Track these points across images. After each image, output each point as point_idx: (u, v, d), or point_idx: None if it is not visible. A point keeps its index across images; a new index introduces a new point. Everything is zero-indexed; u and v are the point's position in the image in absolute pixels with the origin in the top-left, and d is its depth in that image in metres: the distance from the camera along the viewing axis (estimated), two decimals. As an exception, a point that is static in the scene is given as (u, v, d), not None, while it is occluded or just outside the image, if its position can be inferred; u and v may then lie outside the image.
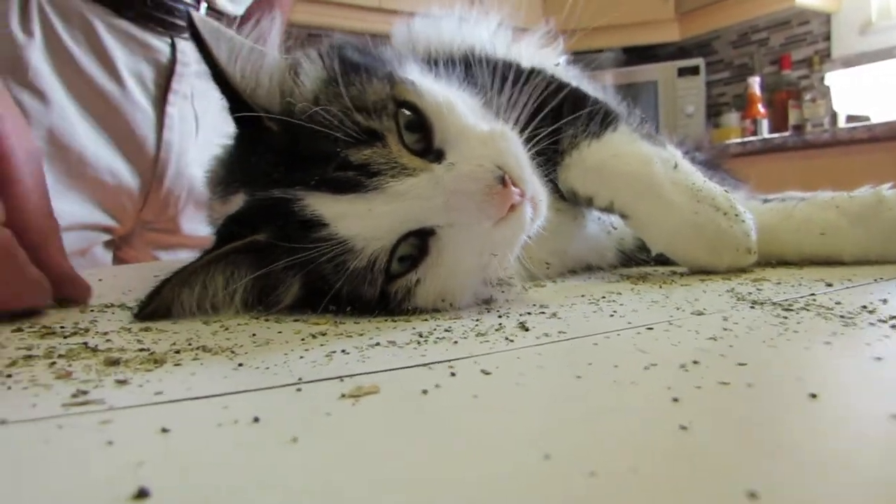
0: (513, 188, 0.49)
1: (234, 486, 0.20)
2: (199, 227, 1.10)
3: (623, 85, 3.73)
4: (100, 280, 0.70)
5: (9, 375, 0.32)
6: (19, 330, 0.44)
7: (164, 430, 0.24)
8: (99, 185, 1.01)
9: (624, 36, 3.88)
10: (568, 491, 0.20)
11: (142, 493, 0.19)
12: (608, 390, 0.30)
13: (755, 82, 3.74)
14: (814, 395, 0.28)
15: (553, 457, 0.22)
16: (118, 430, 0.25)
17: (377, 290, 0.50)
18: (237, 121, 0.53)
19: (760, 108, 3.72)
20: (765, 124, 3.71)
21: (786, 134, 3.38)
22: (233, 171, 0.56)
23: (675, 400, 0.28)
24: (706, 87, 4.01)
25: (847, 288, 0.56)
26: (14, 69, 0.92)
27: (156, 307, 0.48)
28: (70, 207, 0.97)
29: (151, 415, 0.26)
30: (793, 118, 3.59)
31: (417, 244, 0.50)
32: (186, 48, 1.07)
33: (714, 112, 4.08)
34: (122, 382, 0.30)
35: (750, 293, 0.55)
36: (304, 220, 0.48)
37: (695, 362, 0.34)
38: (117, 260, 1.11)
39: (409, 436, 0.25)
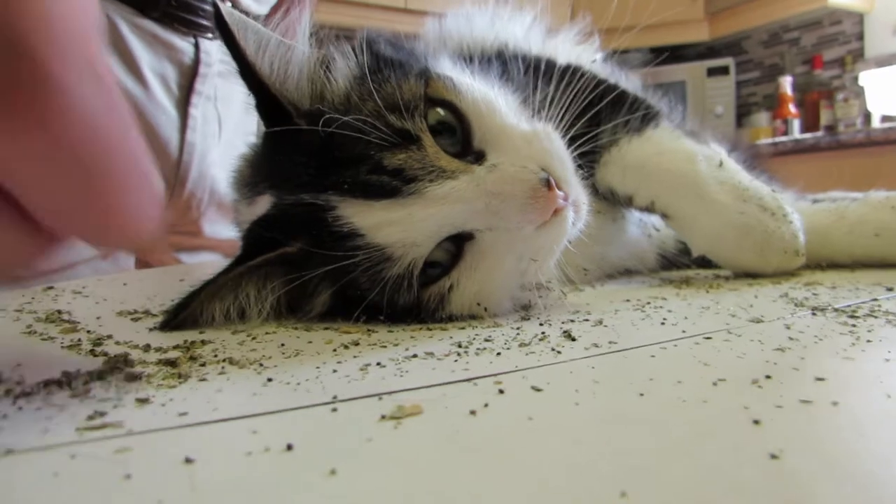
0: (557, 191, 0.46)
1: None
2: (221, 229, 1.08)
3: (651, 85, 3.68)
4: (125, 284, 0.68)
5: (23, 393, 0.29)
6: (47, 337, 0.42)
7: (189, 461, 0.21)
8: None
9: (653, 36, 3.81)
10: (655, 538, 0.17)
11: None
12: (678, 411, 0.27)
13: (787, 82, 3.67)
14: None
15: (631, 495, 0.19)
16: (137, 459, 0.22)
17: (414, 297, 0.47)
18: (265, 118, 0.51)
19: (792, 108, 3.65)
20: (796, 124, 3.64)
21: (819, 134, 3.31)
22: (260, 171, 0.53)
23: (756, 422, 0.25)
24: (736, 88, 3.95)
25: (910, 293, 0.53)
26: None
27: (183, 319, 0.45)
28: None
29: (174, 440, 0.24)
30: (824, 118, 3.52)
31: (451, 249, 0.48)
32: (210, 48, 1.06)
33: (744, 112, 4.01)
34: (143, 401, 0.28)
35: (807, 298, 0.51)
36: (338, 230, 0.45)
37: (767, 377, 0.31)
38: (139, 263, 1.09)
39: (461, 467, 0.22)
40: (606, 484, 0.20)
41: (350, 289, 0.47)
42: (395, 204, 0.45)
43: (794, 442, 0.23)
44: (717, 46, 4.10)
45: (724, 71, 3.81)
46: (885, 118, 3.30)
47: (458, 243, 0.48)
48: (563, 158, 0.50)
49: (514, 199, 0.45)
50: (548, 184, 0.46)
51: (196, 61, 1.04)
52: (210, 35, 1.05)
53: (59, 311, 0.50)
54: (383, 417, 0.26)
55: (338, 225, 0.45)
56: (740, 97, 4.05)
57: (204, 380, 0.32)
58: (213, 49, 1.07)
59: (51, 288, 0.62)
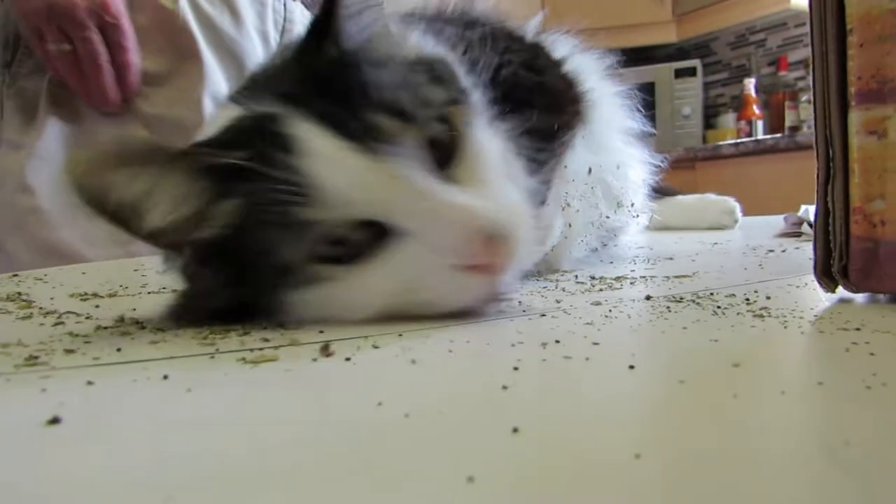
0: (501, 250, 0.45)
1: (127, 419, 0.27)
2: None
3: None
4: (83, 273, 0.77)
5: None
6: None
7: (90, 383, 0.31)
8: None
9: (621, 37, 3.92)
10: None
11: (54, 420, 0.26)
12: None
13: (750, 84, 3.79)
14: (631, 367, 0.34)
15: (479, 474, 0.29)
16: (53, 382, 0.32)
17: (298, 259, 0.43)
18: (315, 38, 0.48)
19: (756, 110, 3.76)
20: (760, 125, 3.75)
21: (778, 135, 3.43)
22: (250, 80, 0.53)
23: (516, 368, 0.34)
24: (704, 89, 4.06)
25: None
26: (170, 31, 1.11)
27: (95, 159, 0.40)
28: None
29: (84, 373, 0.33)
30: (789, 119, 3.63)
31: (361, 239, 0.44)
32: (294, 9, 1.27)
33: (711, 113, 4.12)
34: (70, 351, 0.38)
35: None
36: (280, 144, 0.42)
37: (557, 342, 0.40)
38: None
39: (290, 391, 0.31)
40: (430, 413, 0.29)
41: (251, 212, 0.43)
42: (355, 149, 0.42)
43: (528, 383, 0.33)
44: (686, 48, 4.22)
45: (691, 72, 3.92)
46: (843, 120, 3.40)
47: (369, 240, 0.44)
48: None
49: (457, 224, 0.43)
50: (495, 237, 0.43)
51: (284, 20, 1.26)
52: None
53: (20, 293, 0.59)
54: (244, 360, 0.35)
55: (283, 138, 0.42)
56: (708, 98, 4.16)
57: (127, 339, 0.41)
58: (297, 10, 1.28)
59: (16, 275, 0.71)
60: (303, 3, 1.32)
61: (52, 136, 1.05)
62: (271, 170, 0.41)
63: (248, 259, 0.43)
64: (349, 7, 0.47)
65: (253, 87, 0.49)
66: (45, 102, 1.06)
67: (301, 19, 1.30)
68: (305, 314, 0.44)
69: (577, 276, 0.66)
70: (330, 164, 0.41)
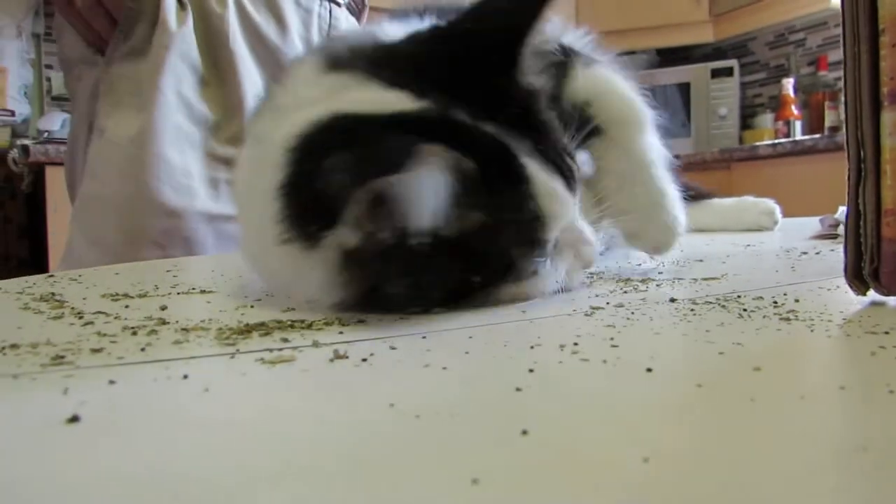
0: None
1: (144, 418, 0.28)
2: None
3: (655, 86, 3.74)
4: (116, 274, 0.78)
5: (12, 346, 0.40)
6: (37, 312, 0.53)
7: (112, 382, 0.32)
8: None
9: (657, 37, 3.90)
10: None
11: (74, 419, 0.27)
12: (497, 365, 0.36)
13: (788, 84, 3.73)
14: (649, 370, 0.34)
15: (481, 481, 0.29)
16: (76, 382, 0.32)
17: (534, 266, 0.53)
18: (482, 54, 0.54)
19: (794, 110, 3.70)
20: (798, 126, 3.68)
21: (817, 136, 3.36)
22: (422, 73, 0.53)
23: (531, 371, 0.34)
24: (741, 89, 4.00)
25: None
26: (216, 35, 1.14)
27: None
28: None
29: (107, 373, 0.34)
30: (829, 120, 3.57)
31: None
32: (339, 15, 1.29)
33: (749, 114, 4.06)
34: (96, 351, 0.38)
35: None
36: (513, 180, 0.50)
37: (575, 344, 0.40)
38: None
39: (304, 392, 0.32)
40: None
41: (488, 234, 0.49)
42: (567, 188, 0.53)
43: (544, 385, 0.33)
44: (723, 47, 4.16)
45: (728, 72, 3.86)
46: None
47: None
48: None
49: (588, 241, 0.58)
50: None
51: (329, 26, 1.27)
52: (340, 2, 1.29)
53: (53, 293, 0.60)
54: (263, 360, 0.36)
55: (519, 176, 0.50)
56: (746, 98, 4.10)
57: (153, 338, 0.42)
58: (342, 17, 1.29)
59: (51, 276, 0.73)
60: (348, 9, 1.33)
61: (125, 124, 1.07)
62: (517, 197, 0.50)
63: (482, 257, 0.51)
64: (534, 40, 0.54)
65: (434, 87, 0.51)
66: (124, 89, 1.08)
67: (346, 25, 1.32)
68: (515, 298, 0.54)
69: (602, 277, 0.65)
70: (558, 201, 0.52)
